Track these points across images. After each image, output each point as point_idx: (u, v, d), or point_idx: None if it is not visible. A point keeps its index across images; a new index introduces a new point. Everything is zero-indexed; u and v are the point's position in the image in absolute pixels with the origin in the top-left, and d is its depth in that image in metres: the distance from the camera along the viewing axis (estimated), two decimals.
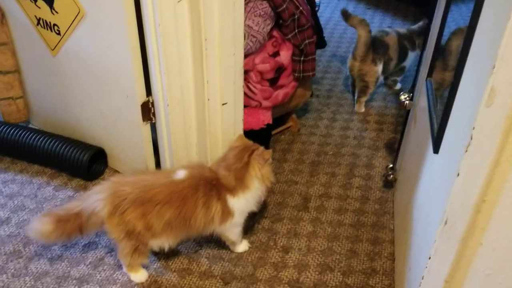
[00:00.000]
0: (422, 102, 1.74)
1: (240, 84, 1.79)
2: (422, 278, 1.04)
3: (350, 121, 2.71)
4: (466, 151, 0.85)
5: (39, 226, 1.62)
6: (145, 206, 1.57)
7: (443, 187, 1.18)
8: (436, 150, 1.30)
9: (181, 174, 1.65)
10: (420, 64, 1.98)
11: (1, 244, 1.86)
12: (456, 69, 1.22)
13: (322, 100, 2.89)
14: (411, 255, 1.47)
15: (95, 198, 1.61)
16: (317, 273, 1.78)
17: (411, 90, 1.94)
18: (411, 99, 1.87)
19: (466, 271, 0.92)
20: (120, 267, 1.77)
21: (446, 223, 0.93)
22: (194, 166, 1.72)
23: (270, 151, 1.68)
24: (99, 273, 1.76)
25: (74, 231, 1.64)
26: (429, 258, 1.01)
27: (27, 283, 1.71)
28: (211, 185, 1.63)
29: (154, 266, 1.79)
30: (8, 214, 2.01)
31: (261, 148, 1.71)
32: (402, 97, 1.88)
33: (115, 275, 1.75)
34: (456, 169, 0.92)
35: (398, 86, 3.01)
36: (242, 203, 1.67)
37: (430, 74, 1.67)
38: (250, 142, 1.73)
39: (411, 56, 2.82)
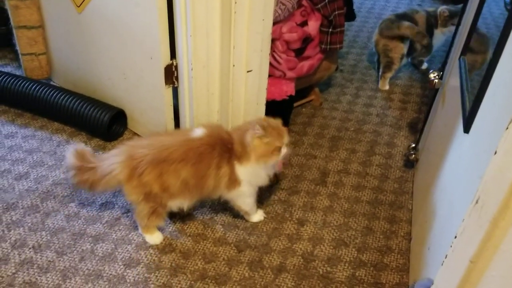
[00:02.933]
0: (453, 81, 1.68)
1: (267, 51, 1.75)
2: (446, 257, 1.02)
3: (373, 98, 2.66)
4: (507, 128, 0.81)
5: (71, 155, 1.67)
6: (162, 166, 1.57)
7: (473, 166, 1.15)
8: (467, 129, 1.26)
9: (199, 132, 1.64)
10: (452, 43, 1.92)
11: (20, 198, 1.88)
12: (497, 46, 1.17)
13: (346, 75, 2.84)
14: (431, 235, 1.45)
15: (112, 161, 1.61)
16: (331, 247, 1.77)
17: (441, 69, 1.88)
18: (440, 77, 1.82)
19: (494, 252, 0.90)
20: (135, 227, 1.78)
21: (477, 202, 0.90)
22: (213, 126, 1.71)
23: (258, 133, 1.57)
24: (114, 233, 1.77)
25: (84, 183, 1.65)
26: (455, 237, 0.98)
27: (43, 238, 1.73)
28: (226, 147, 1.62)
29: (170, 230, 1.80)
30: (27, 169, 2.03)
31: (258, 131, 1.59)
32: (432, 76, 1.82)
33: (130, 235, 1.76)
34: (491, 147, 0.88)
35: (425, 66, 2.94)
36: (248, 173, 1.65)
37: (464, 52, 1.61)
38: (272, 121, 1.65)
39: (438, 36, 2.74)
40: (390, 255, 1.75)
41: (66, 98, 2.24)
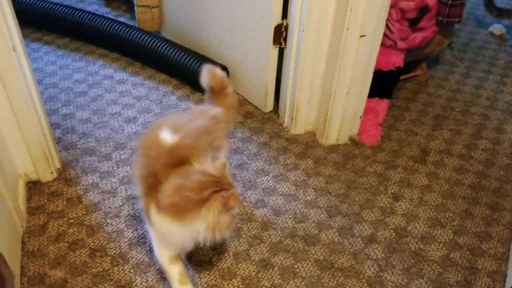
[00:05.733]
0: None
1: (384, 17, 1.69)
2: None
3: (484, 80, 2.49)
4: None
5: None
6: None
7: None
8: None
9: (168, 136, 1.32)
10: None
11: (128, 139, 2.01)
12: None
13: (457, 53, 2.69)
14: None
15: None
16: (426, 226, 1.71)
17: None
18: None
19: None
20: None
21: None
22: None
23: (237, 198, 1.20)
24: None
25: None
26: None
27: None
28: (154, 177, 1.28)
29: (263, 187, 1.83)
30: (136, 114, 2.15)
31: (232, 191, 1.23)
32: None
33: None
34: None
35: (503, 29, 2.73)
36: (160, 223, 1.25)
37: None
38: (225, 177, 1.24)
39: None
40: (489, 242, 1.66)
41: (173, 51, 2.33)
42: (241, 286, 1.49)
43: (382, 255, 1.61)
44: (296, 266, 1.56)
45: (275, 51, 1.99)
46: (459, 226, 1.72)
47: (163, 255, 1.38)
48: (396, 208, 1.78)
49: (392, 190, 1.85)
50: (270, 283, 1.51)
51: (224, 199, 1.17)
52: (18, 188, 1.70)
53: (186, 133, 1.32)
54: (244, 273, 1.53)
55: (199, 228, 1.18)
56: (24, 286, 1.46)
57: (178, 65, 2.31)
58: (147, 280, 1.50)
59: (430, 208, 1.78)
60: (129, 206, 1.72)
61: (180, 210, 1.19)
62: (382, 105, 2.09)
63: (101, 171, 1.86)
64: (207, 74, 1.57)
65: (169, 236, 1.29)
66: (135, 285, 1.48)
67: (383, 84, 2.06)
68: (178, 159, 1.26)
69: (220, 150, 1.46)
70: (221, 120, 1.49)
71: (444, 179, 1.91)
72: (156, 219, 1.24)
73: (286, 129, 2.11)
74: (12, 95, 1.55)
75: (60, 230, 1.64)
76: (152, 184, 1.25)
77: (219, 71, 1.58)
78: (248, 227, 1.67)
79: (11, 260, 1.38)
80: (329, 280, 1.52)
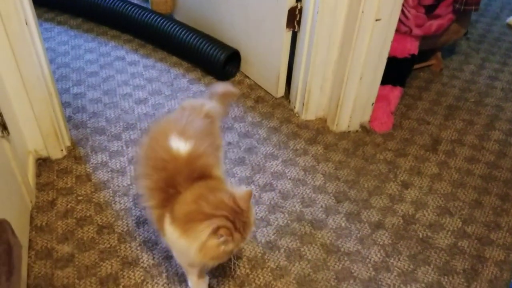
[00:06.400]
0: None
1: (400, 1, 1.66)
2: None
3: (500, 71, 2.45)
4: None
5: None
6: None
7: None
8: None
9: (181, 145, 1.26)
10: None
11: (138, 120, 2.01)
12: None
13: (472, 44, 2.64)
14: None
15: None
16: (435, 214, 1.70)
17: None
18: None
19: None
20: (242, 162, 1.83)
21: None
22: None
23: (227, 232, 1.12)
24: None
25: None
26: None
27: None
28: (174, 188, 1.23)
29: (271, 171, 1.83)
30: (146, 96, 2.15)
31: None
32: None
33: (234, 169, 1.82)
34: None
35: None
36: (170, 235, 1.21)
37: None
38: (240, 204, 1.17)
39: None
40: (498, 232, 1.65)
41: (186, 33, 2.31)
42: (246, 266, 1.49)
43: (389, 241, 1.59)
44: (302, 249, 1.55)
45: (288, 35, 1.97)
46: (468, 215, 1.70)
47: (182, 261, 1.37)
48: (405, 196, 1.76)
49: (402, 178, 1.83)
50: (276, 264, 1.51)
51: (218, 224, 1.11)
52: (28, 164, 1.71)
53: (195, 138, 1.27)
54: (250, 254, 1.53)
55: (194, 246, 1.13)
56: (31, 260, 1.48)
57: (190, 48, 2.30)
58: (154, 258, 1.50)
59: (439, 196, 1.76)
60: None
61: (189, 219, 1.15)
62: (395, 93, 2.06)
63: (110, 150, 1.86)
64: (221, 91, 1.58)
65: (176, 251, 1.30)
66: (142, 262, 1.49)
67: (396, 71, 2.04)
68: (199, 170, 1.24)
69: (219, 149, 1.42)
70: (215, 118, 1.44)
71: (455, 168, 1.88)
72: (168, 230, 1.20)
73: (297, 115, 2.10)
74: (23, 70, 1.56)
75: (68, 206, 1.65)
76: (171, 195, 1.20)
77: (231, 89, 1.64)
78: (256, 210, 1.67)
79: (20, 233, 1.39)
80: (335, 264, 1.52)
